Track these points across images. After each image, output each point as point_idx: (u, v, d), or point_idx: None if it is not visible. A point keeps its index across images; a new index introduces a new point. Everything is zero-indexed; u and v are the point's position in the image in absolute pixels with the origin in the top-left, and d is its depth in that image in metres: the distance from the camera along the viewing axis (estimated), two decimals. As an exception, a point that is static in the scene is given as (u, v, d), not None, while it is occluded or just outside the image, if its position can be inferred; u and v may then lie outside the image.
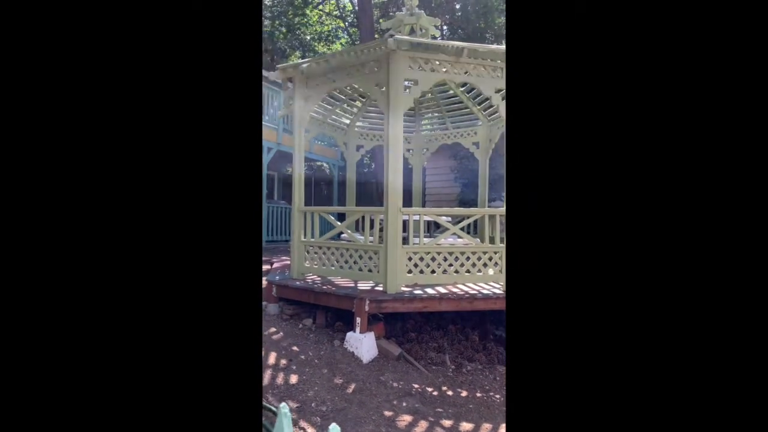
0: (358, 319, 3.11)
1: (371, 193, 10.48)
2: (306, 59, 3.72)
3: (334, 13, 12.29)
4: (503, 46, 3.58)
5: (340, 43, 12.77)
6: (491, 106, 5.21)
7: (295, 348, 3.03)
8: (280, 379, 2.57)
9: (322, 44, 12.15)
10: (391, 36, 3.02)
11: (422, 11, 4.51)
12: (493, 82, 3.39)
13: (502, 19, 11.93)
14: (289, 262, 5.14)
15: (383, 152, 9.81)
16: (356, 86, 4.19)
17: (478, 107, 5.40)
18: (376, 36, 9.71)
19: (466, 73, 3.33)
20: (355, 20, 12.03)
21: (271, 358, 2.83)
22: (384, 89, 3.27)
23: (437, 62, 3.28)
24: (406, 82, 3.36)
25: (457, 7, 11.83)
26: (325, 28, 12.30)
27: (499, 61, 3.37)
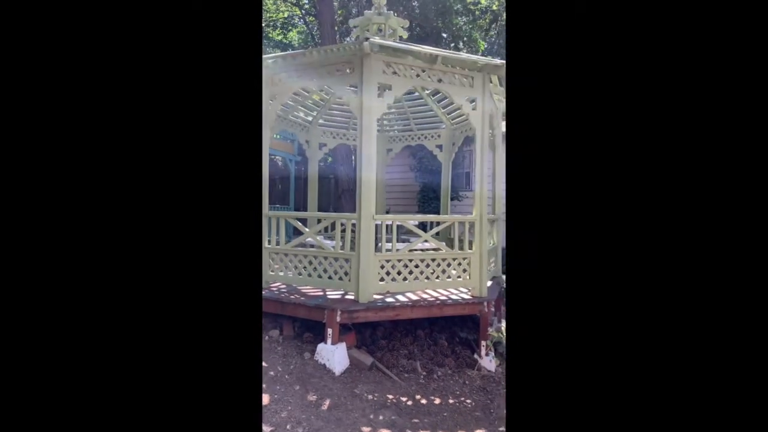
0: (330, 330, 3.03)
1: (329, 189, 10.25)
2: (271, 54, 3.49)
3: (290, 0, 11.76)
4: (475, 56, 3.63)
5: (297, 31, 12.26)
6: (456, 110, 5.30)
7: (263, 363, 2.87)
8: (250, 401, 2.42)
9: (277, 32, 11.59)
10: (366, 39, 2.93)
11: (391, 12, 4.44)
12: (464, 91, 3.43)
13: (460, 20, 12.17)
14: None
15: (345, 150, 9.58)
16: (327, 87, 4.03)
17: (443, 110, 5.47)
18: (336, 28, 9.43)
19: (439, 80, 3.32)
20: (312, 8, 11.60)
21: (239, 377, 2.66)
22: (357, 93, 3.17)
23: (411, 68, 3.24)
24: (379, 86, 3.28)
25: (415, 4, 11.83)
26: (281, 15, 11.74)
27: (468, 70, 3.40)
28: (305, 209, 11.36)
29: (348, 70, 3.21)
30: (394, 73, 3.19)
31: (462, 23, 12.19)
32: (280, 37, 11.51)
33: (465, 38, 12.25)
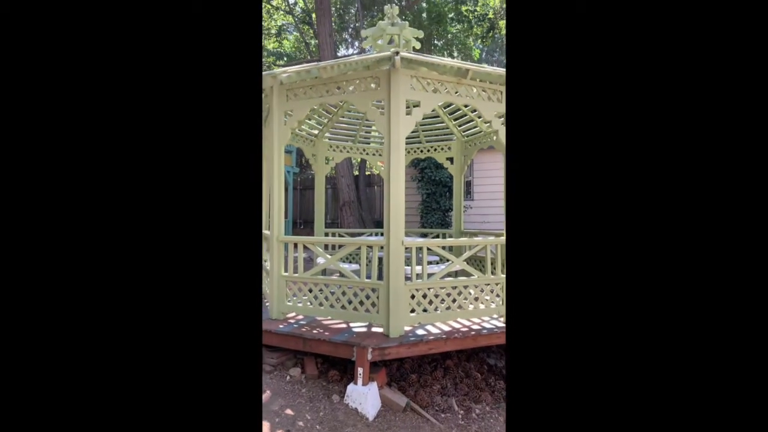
0: (360, 370, 2.76)
1: (326, 200, 9.95)
2: (286, 68, 3.24)
3: (283, 7, 11.50)
4: (503, 69, 3.44)
5: (288, 40, 12.00)
6: (469, 122, 5.13)
7: (289, 411, 2.59)
8: (283, 462, 2.14)
9: (272, 40, 11.31)
10: (396, 53, 2.71)
11: (405, 22, 4.25)
12: (493, 106, 3.23)
13: (454, 28, 12.10)
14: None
15: (346, 162, 9.30)
16: (349, 104, 3.79)
17: (454, 122, 5.29)
18: (335, 35, 9.20)
19: (468, 96, 3.12)
20: (305, 17, 11.36)
21: (266, 430, 2.37)
22: (383, 110, 2.95)
23: (439, 83, 3.03)
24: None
25: (407, 12, 11.70)
26: (273, 23, 11.48)
27: (499, 84, 3.22)
28: (303, 222, 11.00)
29: (373, 86, 2.98)
30: (423, 88, 2.98)
31: (456, 31, 12.11)
32: (275, 45, 11.23)
33: (459, 45, 12.17)
